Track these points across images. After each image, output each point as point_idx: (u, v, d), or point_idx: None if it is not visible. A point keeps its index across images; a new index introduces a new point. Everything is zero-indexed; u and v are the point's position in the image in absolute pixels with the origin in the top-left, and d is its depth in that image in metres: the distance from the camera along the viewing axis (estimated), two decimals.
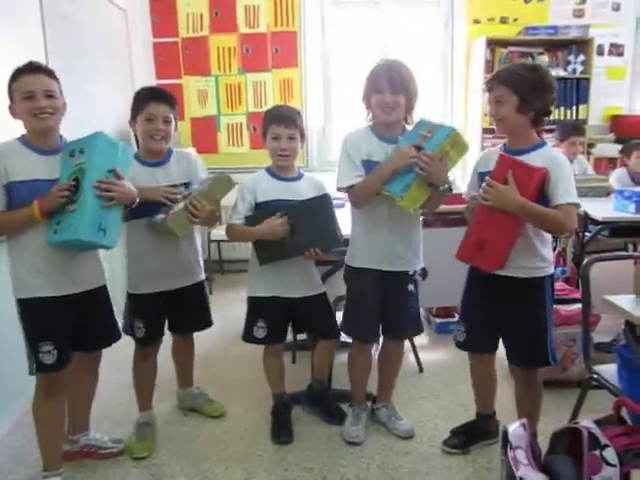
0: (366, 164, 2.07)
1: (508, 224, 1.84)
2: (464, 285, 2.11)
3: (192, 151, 2.37)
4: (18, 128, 1.86)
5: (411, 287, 2.20)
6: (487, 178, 1.87)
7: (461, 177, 4.24)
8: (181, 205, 2.04)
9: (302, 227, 2.06)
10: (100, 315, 2.02)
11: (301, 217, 2.07)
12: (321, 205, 2.09)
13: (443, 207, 2.18)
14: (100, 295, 2.02)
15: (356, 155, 2.07)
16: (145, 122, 2.11)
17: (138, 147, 4.33)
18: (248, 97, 4.77)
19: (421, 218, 2.21)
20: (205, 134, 4.78)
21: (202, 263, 2.35)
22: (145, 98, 2.13)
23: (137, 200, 1.93)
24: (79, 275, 1.92)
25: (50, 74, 1.83)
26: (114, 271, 3.67)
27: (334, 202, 2.17)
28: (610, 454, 1.36)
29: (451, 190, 2.05)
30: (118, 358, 2.88)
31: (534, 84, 1.82)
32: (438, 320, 3.42)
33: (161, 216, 2.06)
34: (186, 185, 2.17)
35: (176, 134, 2.24)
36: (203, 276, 2.35)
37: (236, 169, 4.75)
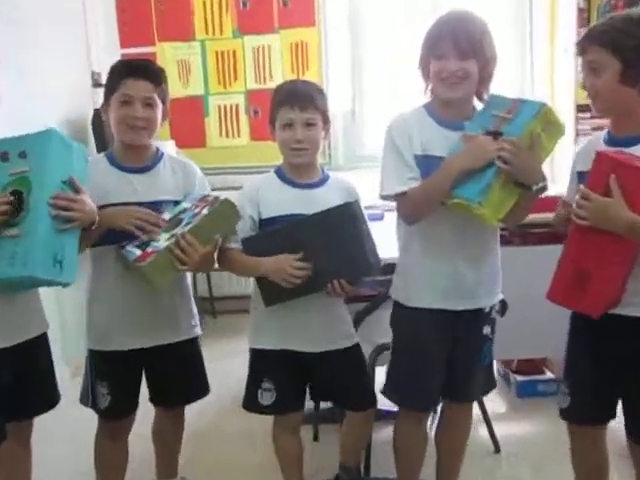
0: (422, 161, 2.05)
1: (616, 250, 1.81)
2: (568, 331, 2.08)
3: (190, 162, 2.37)
4: None
5: (487, 329, 2.19)
6: (581, 187, 1.86)
7: (550, 172, 4.21)
8: (163, 246, 2.02)
9: (319, 251, 2.06)
10: (35, 372, 2.05)
11: (316, 237, 2.07)
12: (343, 218, 2.08)
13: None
14: (37, 347, 2.05)
15: (407, 149, 2.06)
16: (119, 106, 2.12)
17: (98, 143, 4.35)
18: (247, 69, 4.83)
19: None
20: (188, 121, 4.83)
21: (195, 311, 2.36)
22: (119, 73, 2.14)
23: (97, 219, 1.96)
24: (10, 324, 1.95)
25: None
26: (64, 313, 3.71)
27: (366, 212, 2.17)
28: None
29: (545, 189, 2.01)
30: (73, 432, 2.88)
31: None
32: (520, 378, 3.37)
33: (135, 252, 2.05)
34: (176, 203, 2.18)
35: (165, 123, 2.27)
36: (198, 330, 2.35)
37: (231, 169, 4.81)
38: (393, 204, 2.16)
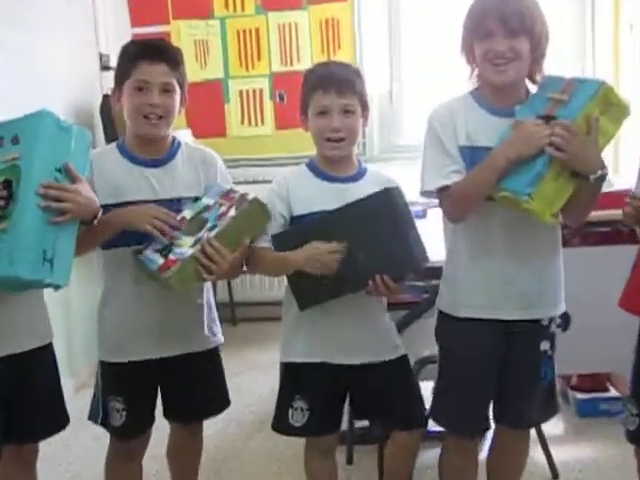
0: (467, 152, 2.05)
1: None
2: (636, 343, 2.06)
3: (211, 152, 2.38)
4: None
5: (545, 345, 2.17)
6: None
7: (612, 162, 4.15)
8: (188, 253, 2.03)
9: (357, 245, 2.05)
10: (36, 389, 2.06)
11: (353, 230, 2.06)
12: (382, 207, 2.07)
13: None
14: (39, 360, 2.06)
15: (451, 139, 2.06)
16: (133, 93, 2.12)
17: (107, 131, 4.39)
18: (272, 50, 4.83)
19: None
20: (206, 108, 4.82)
21: (216, 317, 2.38)
22: (132, 56, 2.15)
23: (99, 213, 1.96)
24: (6, 331, 1.96)
25: None
26: (71, 320, 3.73)
27: (411, 208, 2.17)
28: None
29: (605, 177, 1.98)
30: (79, 453, 2.89)
31: None
32: (581, 396, 3.34)
33: (156, 259, 2.05)
34: (196, 200, 2.19)
35: (182, 111, 2.27)
36: (220, 338, 2.37)
37: (254, 161, 4.84)
38: (437, 200, 2.15)
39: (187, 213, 2.13)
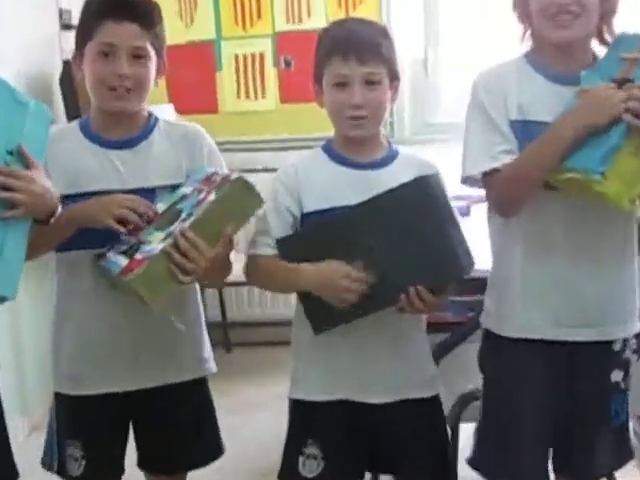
0: (519, 128, 2.07)
1: None
2: None
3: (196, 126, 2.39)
4: None
5: (617, 376, 2.17)
6: None
7: None
8: (157, 249, 2.02)
9: (385, 250, 2.05)
10: None
11: (380, 229, 2.06)
12: (417, 199, 2.07)
13: None
14: None
15: (500, 112, 2.08)
16: (97, 59, 2.13)
17: (68, 106, 4.41)
18: (275, 4, 4.85)
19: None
20: (193, 77, 4.87)
21: (207, 340, 2.38)
22: (96, 13, 2.15)
23: (58, 209, 1.96)
24: None
25: None
26: (22, 349, 3.72)
27: (452, 202, 2.15)
28: None
29: None
30: None
31: None
32: None
33: (119, 261, 2.04)
34: (174, 188, 2.20)
35: (159, 81, 2.28)
36: (212, 367, 2.37)
37: (253, 143, 4.87)
38: (483, 192, 2.17)
39: (161, 206, 2.13)
